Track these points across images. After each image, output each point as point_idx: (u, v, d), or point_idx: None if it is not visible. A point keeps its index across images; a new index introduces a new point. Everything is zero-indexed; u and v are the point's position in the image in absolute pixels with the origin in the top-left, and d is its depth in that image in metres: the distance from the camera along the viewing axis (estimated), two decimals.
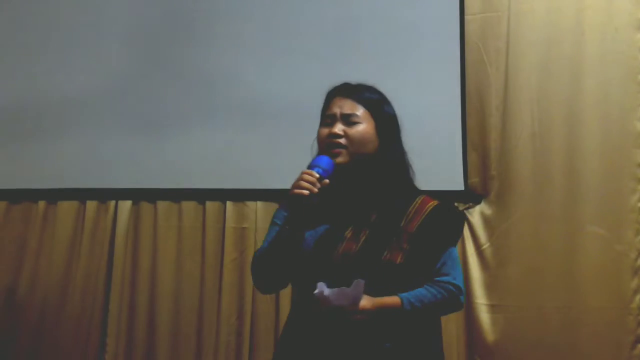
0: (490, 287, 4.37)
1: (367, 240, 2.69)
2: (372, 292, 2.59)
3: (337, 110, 2.79)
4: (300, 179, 2.61)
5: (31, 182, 4.89)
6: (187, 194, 4.76)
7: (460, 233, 2.91)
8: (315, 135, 2.83)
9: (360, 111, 2.78)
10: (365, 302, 2.57)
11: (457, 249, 2.83)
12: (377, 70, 4.46)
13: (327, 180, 2.63)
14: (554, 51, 4.41)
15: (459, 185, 4.42)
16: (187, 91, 4.77)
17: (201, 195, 4.74)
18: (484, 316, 4.35)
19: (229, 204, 4.69)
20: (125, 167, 4.81)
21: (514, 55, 4.44)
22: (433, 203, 2.79)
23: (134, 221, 4.81)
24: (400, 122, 2.90)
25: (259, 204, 4.66)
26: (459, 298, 2.76)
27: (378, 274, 2.63)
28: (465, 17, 4.47)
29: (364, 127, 2.76)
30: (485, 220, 4.41)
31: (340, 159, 2.72)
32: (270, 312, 4.57)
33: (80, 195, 4.86)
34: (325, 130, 2.78)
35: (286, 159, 4.45)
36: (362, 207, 2.74)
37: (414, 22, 4.53)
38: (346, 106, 2.79)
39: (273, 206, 4.58)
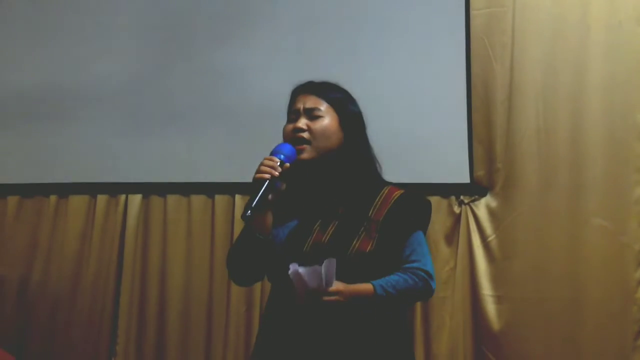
0: (496, 278, 4.41)
1: (335, 231, 2.73)
2: (343, 282, 2.63)
3: (300, 105, 2.84)
4: (261, 164, 2.67)
5: (43, 176, 4.92)
6: (196, 188, 4.79)
7: (427, 219, 2.90)
8: None
9: (323, 106, 2.83)
10: (339, 284, 2.61)
11: (425, 237, 2.84)
12: (384, 66, 4.53)
13: (287, 164, 2.67)
14: (559, 46, 4.44)
15: (465, 178, 4.46)
16: (197, 87, 4.80)
17: (210, 189, 4.78)
18: (490, 307, 4.39)
19: (237, 197, 4.72)
20: (135, 162, 4.84)
21: (519, 49, 4.47)
22: (399, 192, 2.83)
23: (144, 214, 4.84)
24: (365, 120, 2.92)
25: None
26: (429, 283, 2.77)
27: (348, 263, 2.66)
28: (471, 12, 4.49)
29: (327, 121, 2.80)
30: (491, 212, 4.45)
31: (305, 155, 2.76)
32: None
33: (91, 189, 4.89)
34: (290, 126, 2.83)
35: None
36: (330, 201, 2.78)
37: (421, 17, 4.55)
38: (309, 101, 2.84)
39: None
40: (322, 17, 4.68)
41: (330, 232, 2.73)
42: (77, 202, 4.91)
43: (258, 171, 2.65)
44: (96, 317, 4.81)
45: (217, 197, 4.77)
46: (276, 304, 2.82)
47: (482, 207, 4.45)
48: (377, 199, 2.80)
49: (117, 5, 4.94)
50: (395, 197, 2.80)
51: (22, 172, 4.95)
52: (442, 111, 4.46)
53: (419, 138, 4.47)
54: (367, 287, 2.67)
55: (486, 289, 4.40)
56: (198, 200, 4.80)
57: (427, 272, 2.76)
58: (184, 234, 4.80)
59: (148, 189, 4.86)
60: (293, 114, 2.85)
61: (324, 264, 2.56)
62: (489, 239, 4.42)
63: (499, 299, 4.37)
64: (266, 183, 2.62)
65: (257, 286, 4.61)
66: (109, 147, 4.87)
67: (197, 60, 4.82)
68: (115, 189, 4.88)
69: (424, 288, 2.76)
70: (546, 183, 4.39)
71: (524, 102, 4.45)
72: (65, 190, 4.92)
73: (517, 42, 4.48)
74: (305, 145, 2.76)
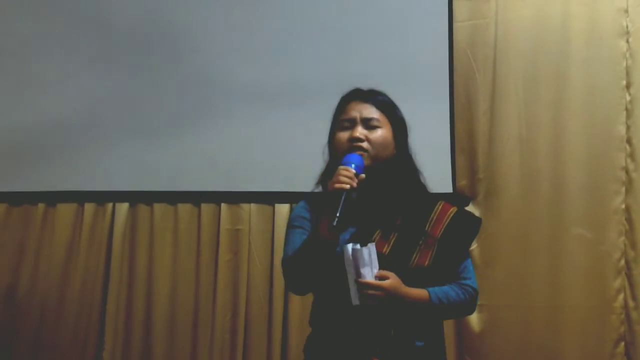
0: (479, 287, 4.43)
1: (396, 243, 2.74)
2: None
3: (356, 114, 2.80)
4: (339, 174, 2.61)
5: (31, 185, 4.95)
6: (182, 197, 4.82)
7: (475, 238, 2.98)
8: (323, 142, 2.88)
9: (378, 115, 2.81)
10: (393, 279, 2.63)
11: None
12: (367, 77, 4.53)
13: (363, 175, 2.64)
14: (541, 58, 4.49)
15: (448, 188, 4.48)
16: (183, 95, 4.82)
17: (196, 198, 4.81)
18: (472, 316, 4.40)
19: (223, 206, 4.75)
20: (122, 171, 4.86)
21: (501, 61, 4.52)
22: (454, 209, 2.86)
23: (131, 223, 4.87)
24: (408, 128, 2.93)
25: (253, 206, 4.73)
26: (476, 301, 2.83)
27: (408, 276, 2.69)
28: (454, 24, 4.54)
29: (384, 131, 2.79)
30: None
31: (365, 162, 2.72)
32: (263, 311, 4.64)
33: (79, 197, 4.92)
34: (345, 135, 2.78)
35: (280, 162, 4.56)
36: (388, 211, 2.78)
37: (404, 29, 4.59)
38: (365, 110, 2.81)
39: (267, 208, 4.70)
40: (306, 24, 4.71)
41: (392, 243, 2.74)
42: (65, 210, 4.93)
43: (337, 181, 2.60)
44: (83, 324, 4.83)
45: (203, 206, 4.80)
46: (325, 314, 2.80)
47: None
48: (432, 214, 2.82)
49: (100, 17, 4.96)
50: (451, 215, 2.83)
51: (11, 180, 4.98)
52: (425, 121, 4.46)
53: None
54: (422, 292, 2.70)
55: None
56: (184, 208, 4.83)
57: (475, 291, 2.82)
58: (170, 242, 4.83)
59: (135, 198, 4.88)
60: (347, 122, 2.81)
61: (366, 248, 2.61)
62: (471, 247, 4.45)
63: (480, 307, 4.37)
64: (345, 193, 2.59)
65: (243, 294, 4.67)
66: (97, 156, 4.90)
67: (183, 69, 4.84)
68: (102, 198, 4.90)
69: (471, 304, 2.82)
70: (527, 193, 4.44)
71: (506, 112, 4.50)
72: (53, 198, 4.94)
73: (499, 53, 4.53)
74: (362, 153, 2.73)
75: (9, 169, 5.00)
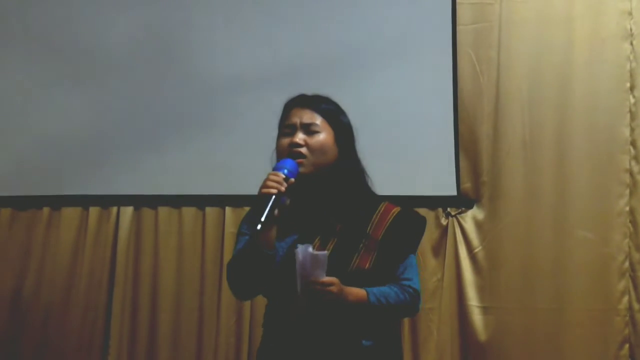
0: (483, 289, 4.46)
1: (336, 248, 2.74)
2: None
3: (296, 120, 2.81)
4: (267, 179, 2.64)
5: (35, 189, 4.96)
6: (187, 200, 4.83)
7: (421, 237, 2.95)
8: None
9: (319, 120, 2.81)
10: (333, 279, 2.63)
11: (416, 257, 2.89)
12: (372, 81, 4.56)
13: (292, 180, 2.66)
14: (544, 60, 4.48)
15: (452, 191, 4.50)
16: (187, 99, 4.83)
17: (201, 201, 4.81)
18: (477, 318, 4.43)
19: (228, 209, 4.76)
20: (127, 174, 4.87)
21: (505, 64, 4.51)
22: (396, 209, 2.86)
23: (135, 226, 4.87)
24: (355, 132, 2.93)
25: None
26: (417, 302, 2.83)
27: (348, 280, 2.68)
28: (457, 27, 4.53)
29: (323, 136, 2.79)
30: (478, 224, 4.49)
31: (302, 170, 2.73)
32: None
33: (83, 201, 4.92)
34: (286, 140, 2.80)
35: None
36: (328, 217, 2.79)
37: (408, 32, 4.59)
38: (305, 116, 2.81)
39: None
40: (309, 33, 4.72)
41: (330, 248, 2.73)
42: (70, 214, 4.93)
43: (264, 186, 2.63)
44: (88, 328, 4.84)
45: (208, 209, 4.80)
46: (273, 318, 2.84)
47: (469, 219, 4.50)
48: (374, 216, 2.83)
49: (105, 22, 4.96)
50: (393, 215, 2.84)
51: (16, 184, 4.99)
52: (429, 124, 4.50)
53: (406, 151, 4.51)
54: (361, 292, 2.70)
55: (473, 300, 4.44)
56: (189, 212, 4.83)
57: (416, 291, 2.82)
58: (174, 246, 4.83)
59: (139, 202, 4.88)
60: (288, 128, 2.83)
61: (321, 254, 2.62)
62: (476, 250, 4.47)
63: (485, 310, 4.41)
64: (273, 198, 2.60)
65: None
66: (101, 160, 4.90)
67: (187, 73, 4.85)
68: (107, 202, 4.91)
69: (412, 305, 2.81)
70: (531, 195, 4.44)
71: (509, 115, 4.50)
72: (57, 202, 4.95)
73: (502, 56, 4.52)
74: (302, 160, 2.74)
75: (14, 174, 5.00)
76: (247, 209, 4.64)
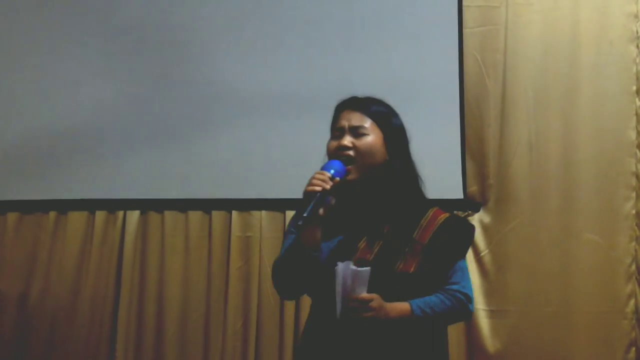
0: (489, 293, 4.45)
1: (381, 250, 2.74)
2: (385, 301, 2.65)
3: (345, 123, 2.82)
4: (312, 177, 2.66)
5: (42, 193, 4.96)
6: (193, 204, 4.83)
7: (470, 244, 2.97)
8: (324, 147, 2.87)
9: (367, 123, 2.81)
10: (375, 296, 2.62)
11: (466, 260, 2.89)
12: (378, 84, 4.55)
13: (338, 179, 2.67)
14: (551, 63, 4.49)
15: (458, 194, 4.50)
16: (193, 103, 4.83)
17: (207, 205, 4.81)
18: (484, 321, 4.43)
19: (234, 213, 4.76)
20: (133, 178, 4.87)
21: (511, 67, 4.52)
22: (444, 215, 2.85)
23: (142, 230, 4.88)
24: (408, 134, 2.93)
25: (264, 213, 4.73)
26: (467, 306, 2.80)
27: (392, 283, 2.69)
28: (464, 30, 4.54)
29: (371, 138, 2.79)
30: (484, 227, 4.49)
31: (351, 176, 2.74)
32: (275, 318, 4.64)
33: (90, 205, 4.92)
34: (334, 143, 2.81)
35: (290, 168, 4.56)
36: (375, 219, 2.79)
37: (414, 35, 4.59)
38: (354, 119, 2.82)
39: (277, 215, 4.71)
40: (316, 33, 4.72)
41: (376, 250, 2.74)
42: (76, 218, 4.93)
43: (310, 184, 2.64)
44: (95, 332, 4.83)
45: (214, 213, 4.80)
46: (317, 319, 2.83)
47: (475, 222, 4.47)
48: (422, 220, 2.82)
49: (110, 25, 4.96)
50: (441, 221, 2.83)
51: (22, 189, 4.98)
52: (435, 127, 4.49)
53: (412, 154, 4.50)
54: (404, 306, 2.69)
55: (479, 303, 4.43)
56: (195, 216, 4.83)
57: (465, 295, 2.80)
58: (181, 250, 4.83)
59: (146, 206, 4.89)
60: (337, 131, 2.84)
61: (364, 270, 2.60)
62: (482, 253, 4.47)
63: (492, 313, 4.42)
64: (317, 195, 2.62)
65: (254, 301, 4.67)
66: (108, 164, 4.91)
67: (194, 77, 4.85)
68: (113, 206, 4.91)
69: (461, 310, 2.80)
70: (538, 198, 4.44)
71: (516, 118, 4.50)
72: (64, 206, 4.95)
73: (509, 59, 4.52)
74: (350, 167, 2.74)
75: (20, 177, 5.00)
76: (253, 212, 4.73)
